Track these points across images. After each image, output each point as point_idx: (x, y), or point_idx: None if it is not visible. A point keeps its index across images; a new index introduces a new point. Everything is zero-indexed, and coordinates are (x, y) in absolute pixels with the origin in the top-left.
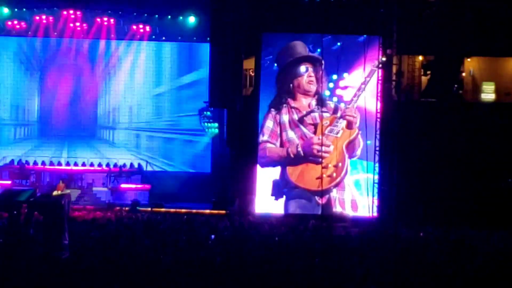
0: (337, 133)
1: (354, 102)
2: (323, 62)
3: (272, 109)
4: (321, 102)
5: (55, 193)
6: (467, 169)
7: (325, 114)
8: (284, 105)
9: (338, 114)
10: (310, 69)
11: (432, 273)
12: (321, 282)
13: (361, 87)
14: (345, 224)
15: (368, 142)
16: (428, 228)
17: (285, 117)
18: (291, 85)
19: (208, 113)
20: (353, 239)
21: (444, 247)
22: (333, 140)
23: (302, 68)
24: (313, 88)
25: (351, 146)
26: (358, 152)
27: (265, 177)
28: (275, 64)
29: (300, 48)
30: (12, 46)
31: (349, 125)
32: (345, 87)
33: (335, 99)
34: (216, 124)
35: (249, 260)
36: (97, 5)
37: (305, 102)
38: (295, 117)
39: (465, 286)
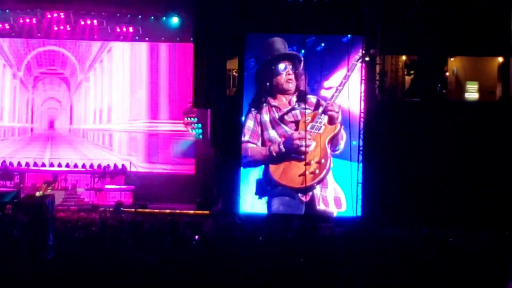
0: (319, 129)
1: (335, 97)
2: (302, 58)
3: (253, 109)
4: (302, 99)
5: (37, 193)
6: (451, 169)
7: (306, 111)
8: (264, 104)
9: (320, 110)
10: (289, 67)
11: (418, 273)
12: (306, 282)
13: (342, 82)
14: (330, 224)
15: (354, 142)
16: (413, 228)
17: (266, 116)
18: (269, 83)
19: (192, 114)
20: (337, 239)
21: (430, 246)
22: (315, 137)
23: (281, 66)
24: (292, 86)
25: (334, 141)
26: (342, 145)
27: (249, 177)
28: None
29: (279, 44)
30: None
31: (331, 121)
32: (330, 88)
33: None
34: (200, 125)
35: (234, 260)
36: (80, 6)
37: (285, 100)
38: (276, 115)
39: (451, 285)
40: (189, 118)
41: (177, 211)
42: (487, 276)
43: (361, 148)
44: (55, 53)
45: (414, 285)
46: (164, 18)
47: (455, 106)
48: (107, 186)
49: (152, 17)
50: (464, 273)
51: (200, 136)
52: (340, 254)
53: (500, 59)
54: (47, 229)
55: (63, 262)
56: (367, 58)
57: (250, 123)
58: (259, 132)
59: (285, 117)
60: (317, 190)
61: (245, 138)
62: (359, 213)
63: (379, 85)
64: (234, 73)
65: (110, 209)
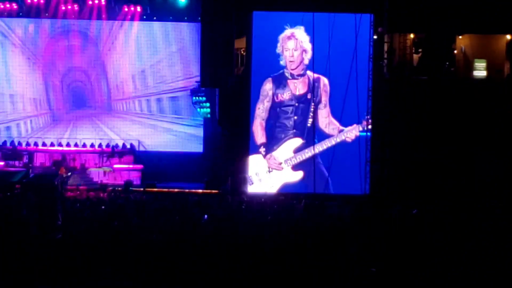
0: None
1: None
2: None
3: None
4: None
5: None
6: (459, 146)
7: None
8: None
9: None
10: None
11: (425, 251)
12: (313, 261)
13: None
14: (337, 203)
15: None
16: (420, 206)
17: None
18: None
19: (200, 93)
20: (345, 218)
21: (437, 224)
22: None
23: None
24: None
25: None
26: None
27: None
28: None
29: None
30: (3, 28)
31: None
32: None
33: None
34: (208, 104)
35: (242, 239)
36: None
37: None
38: None
39: (460, 263)
40: (197, 97)
41: (186, 190)
42: (497, 253)
43: (369, 126)
44: (63, 38)
45: (423, 263)
46: None
47: (463, 83)
48: (116, 166)
49: None
50: (474, 250)
51: (208, 115)
52: (348, 232)
53: (508, 36)
54: (56, 209)
55: (72, 241)
56: (375, 36)
57: None
58: None
59: None
60: None
61: None
62: (367, 192)
63: (387, 63)
64: (242, 52)
65: (119, 188)
